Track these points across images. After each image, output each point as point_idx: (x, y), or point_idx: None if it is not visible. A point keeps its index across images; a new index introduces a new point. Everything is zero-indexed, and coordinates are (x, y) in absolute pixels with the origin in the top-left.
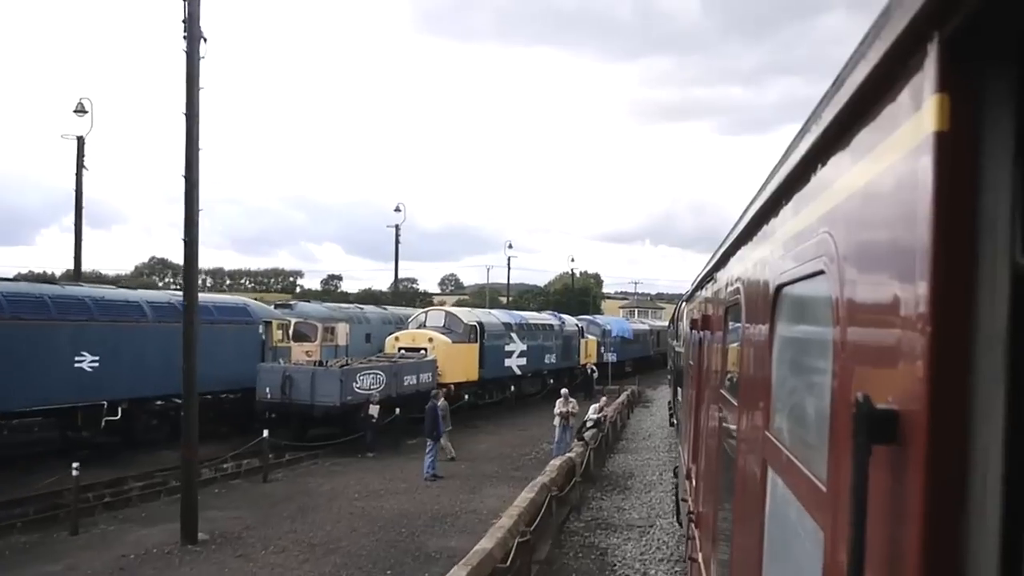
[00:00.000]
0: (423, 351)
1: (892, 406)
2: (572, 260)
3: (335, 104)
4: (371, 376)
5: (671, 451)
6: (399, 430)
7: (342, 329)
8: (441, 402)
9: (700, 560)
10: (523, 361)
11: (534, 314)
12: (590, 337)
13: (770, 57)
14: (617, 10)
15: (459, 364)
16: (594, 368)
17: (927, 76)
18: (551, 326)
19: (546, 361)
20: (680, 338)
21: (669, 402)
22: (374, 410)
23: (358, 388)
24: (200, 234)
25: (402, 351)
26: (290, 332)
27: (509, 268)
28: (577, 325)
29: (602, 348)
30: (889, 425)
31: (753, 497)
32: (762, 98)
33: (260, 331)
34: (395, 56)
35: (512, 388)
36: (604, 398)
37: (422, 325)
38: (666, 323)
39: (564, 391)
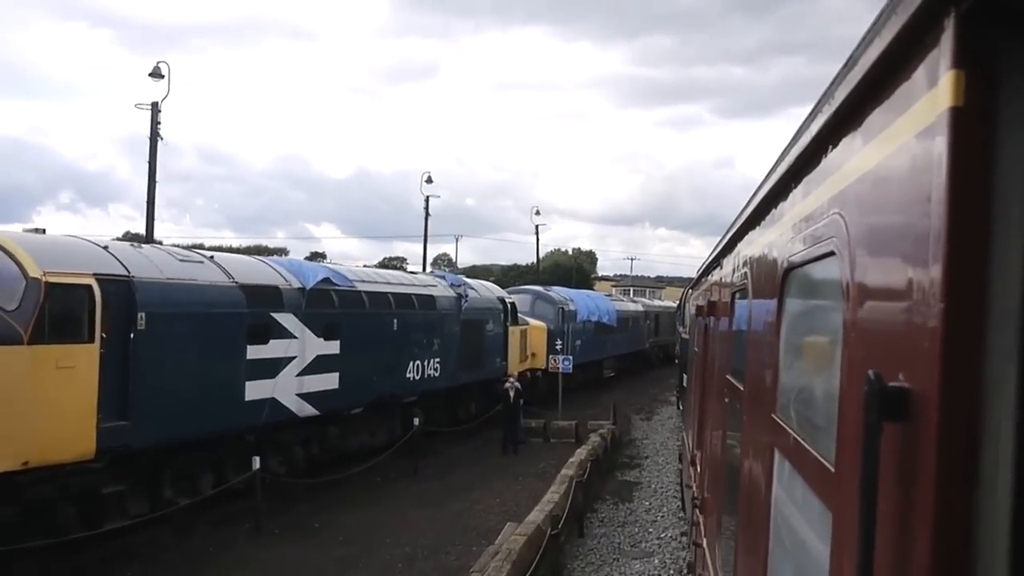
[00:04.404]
0: None
1: (903, 384)
2: (537, 213)
3: (339, 80)
4: None
5: None
6: None
7: None
8: None
9: (705, 545)
10: (330, 382)
11: (390, 273)
12: (534, 323)
13: (772, 36)
14: None
15: None
16: (519, 387)
17: (943, 52)
18: (428, 299)
19: (410, 375)
20: (686, 324)
21: (675, 384)
22: None
23: None
24: (198, 213)
25: None
26: None
27: (427, 218)
28: (503, 300)
29: (558, 342)
30: (900, 402)
31: (759, 481)
32: (764, 79)
33: None
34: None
35: (251, 462)
36: None
37: None
38: (668, 303)
39: None
